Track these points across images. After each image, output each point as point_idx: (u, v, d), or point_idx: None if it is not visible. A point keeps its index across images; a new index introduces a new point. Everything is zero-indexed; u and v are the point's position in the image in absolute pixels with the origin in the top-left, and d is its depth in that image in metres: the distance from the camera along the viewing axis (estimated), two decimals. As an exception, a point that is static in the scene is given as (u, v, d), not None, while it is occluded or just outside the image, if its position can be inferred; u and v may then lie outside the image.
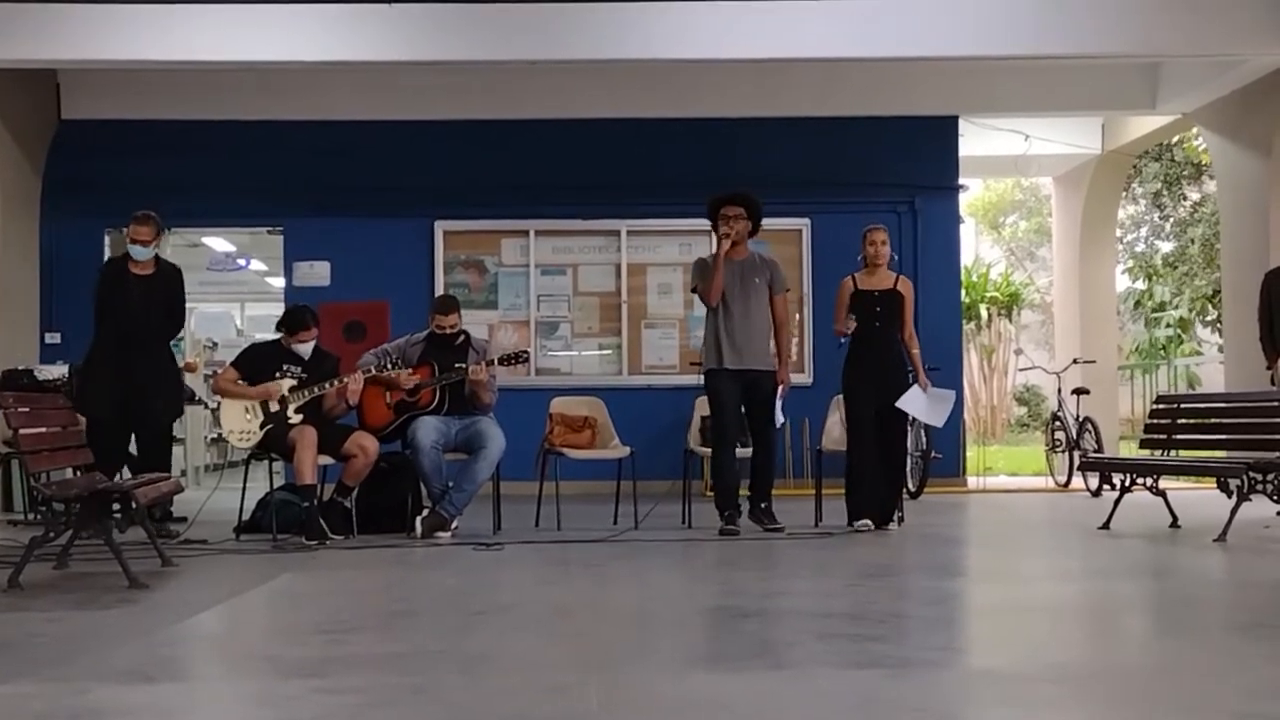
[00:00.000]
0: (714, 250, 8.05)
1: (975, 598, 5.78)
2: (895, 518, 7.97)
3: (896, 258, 8.49)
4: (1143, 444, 8.71)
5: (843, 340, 8.03)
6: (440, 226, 12.21)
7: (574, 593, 5.75)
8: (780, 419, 8.00)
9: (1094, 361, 12.94)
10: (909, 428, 8.64)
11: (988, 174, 20.43)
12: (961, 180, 12.79)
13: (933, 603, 5.36)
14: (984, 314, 22.37)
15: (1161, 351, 21.00)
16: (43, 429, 6.19)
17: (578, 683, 3.64)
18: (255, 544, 7.40)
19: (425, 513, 7.74)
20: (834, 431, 8.57)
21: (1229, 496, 7.26)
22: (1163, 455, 8.38)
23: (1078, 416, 11.89)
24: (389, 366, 7.86)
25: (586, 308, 12.34)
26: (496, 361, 7.98)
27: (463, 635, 4.58)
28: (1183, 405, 9.05)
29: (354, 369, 7.92)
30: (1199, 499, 8.84)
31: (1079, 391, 12.07)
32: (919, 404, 7.93)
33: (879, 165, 12.21)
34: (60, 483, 6.25)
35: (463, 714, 3.36)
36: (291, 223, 12.17)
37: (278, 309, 10.75)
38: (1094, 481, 11.19)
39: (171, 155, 11.84)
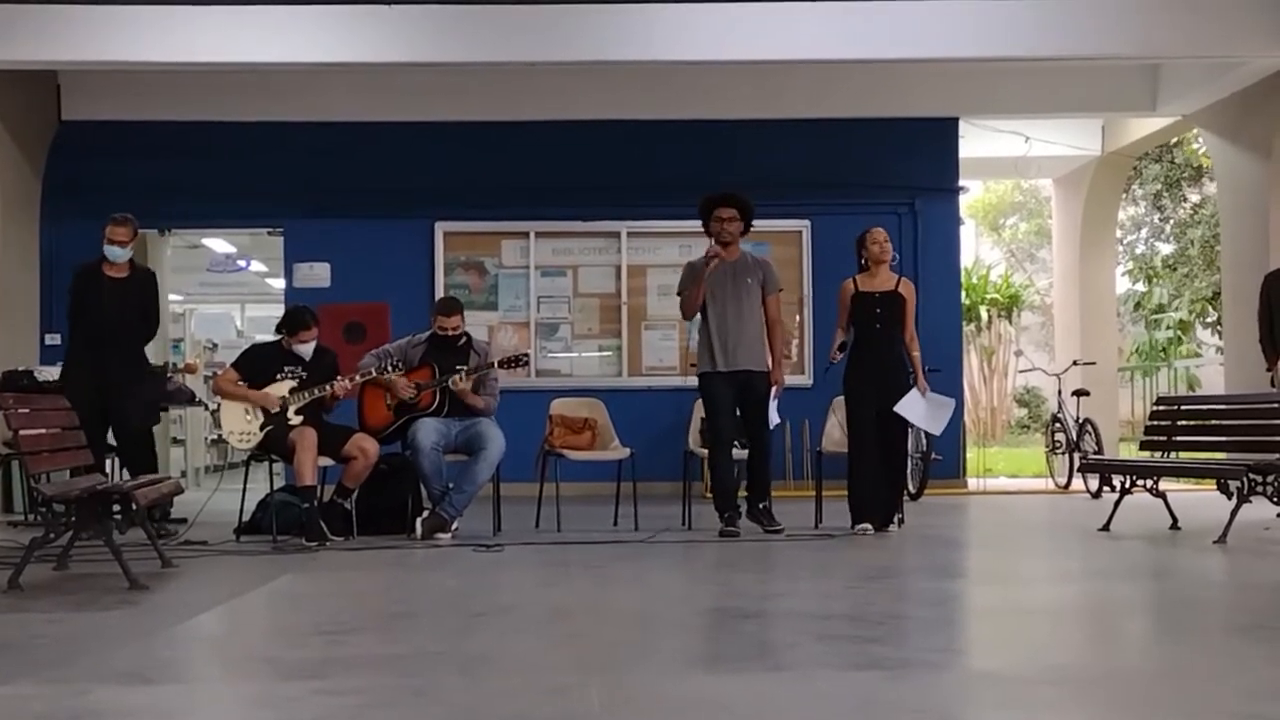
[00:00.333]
0: (707, 253, 7.97)
1: (975, 599, 5.79)
2: (895, 519, 7.96)
3: (898, 257, 8.48)
4: (1143, 446, 8.71)
5: (830, 365, 8.03)
6: (440, 228, 12.20)
7: (574, 594, 5.75)
8: (775, 419, 7.95)
9: (1094, 363, 12.94)
10: (909, 429, 8.64)
11: (988, 175, 20.40)
12: (961, 182, 12.77)
13: (932, 604, 5.37)
14: (984, 315, 22.39)
15: (1161, 353, 21.01)
16: (42, 430, 6.19)
17: (578, 684, 3.64)
18: (255, 545, 7.40)
19: (425, 514, 7.73)
20: (834, 433, 8.56)
21: (1229, 498, 7.26)
22: (1163, 457, 8.37)
23: (1078, 418, 11.87)
24: (389, 368, 7.85)
25: (586, 309, 12.33)
26: (497, 364, 7.99)
27: (463, 637, 4.59)
28: (1183, 407, 9.05)
29: (354, 370, 7.93)
30: (1199, 501, 8.85)
31: (1079, 393, 12.05)
32: (918, 410, 7.87)
33: (879, 167, 12.21)
34: (60, 484, 6.25)
35: (463, 715, 3.37)
36: (291, 224, 12.17)
37: (278, 310, 10.74)
38: (1094, 483, 11.17)
39: (172, 156, 11.82)
